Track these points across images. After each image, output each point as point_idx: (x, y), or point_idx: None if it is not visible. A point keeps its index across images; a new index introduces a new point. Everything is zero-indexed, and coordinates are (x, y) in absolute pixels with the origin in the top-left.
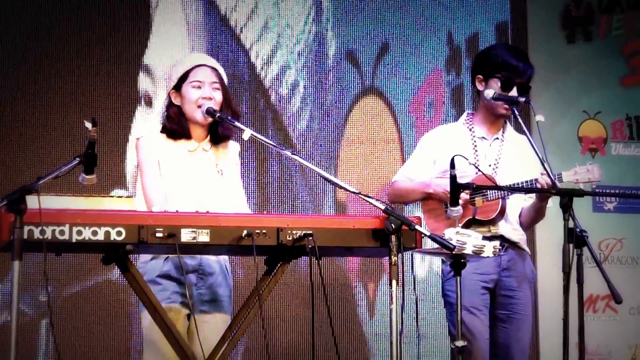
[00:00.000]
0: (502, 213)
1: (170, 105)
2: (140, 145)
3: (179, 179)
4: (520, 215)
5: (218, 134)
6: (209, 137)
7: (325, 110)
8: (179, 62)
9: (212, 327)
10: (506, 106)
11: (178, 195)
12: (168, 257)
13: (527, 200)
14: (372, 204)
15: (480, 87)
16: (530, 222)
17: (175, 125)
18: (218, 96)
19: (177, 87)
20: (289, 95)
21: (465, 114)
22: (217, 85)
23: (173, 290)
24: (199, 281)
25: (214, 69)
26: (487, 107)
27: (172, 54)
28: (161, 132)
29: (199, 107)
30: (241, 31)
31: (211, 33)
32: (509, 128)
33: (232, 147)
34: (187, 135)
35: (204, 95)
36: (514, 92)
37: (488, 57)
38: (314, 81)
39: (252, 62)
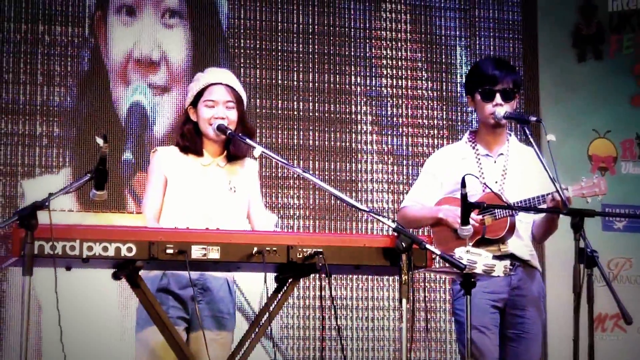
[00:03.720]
0: (511, 230)
1: (185, 122)
2: (152, 159)
3: (188, 192)
4: (533, 228)
5: (230, 153)
6: (225, 154)
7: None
8: (197, 79)
9: (212, 342)
10: (490, 112)
11: (187, 209)
12: (173, 273)
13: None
14: (383, 222)
15: (471, 106)
16: (543, 233)
17: (188, 142)
18: (232, 115)
19: (194, 104)
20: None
21: (467, 133)
22: (232, 104)
23: (170, 305)
24: (198, 296)
25: (230, 87)
26: (481, 121)
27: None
28: (175, 145)
29: (211, 125)
30: None
31: None
32: (514, 141)
33: (250, 166)
34: (200, 152)
35: (216, 115)
36: (497, 100)
37: (468, 75)
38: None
39: None
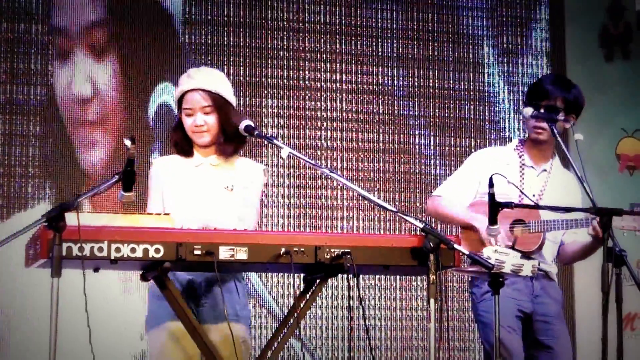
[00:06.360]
0: (541, 247)
1: (176, 127)
2: (150, 173)
3: (182, 194)
4: (563, 252)
5: (224, 148)
6: (216, 153)
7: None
8: (178, 84)
9: (218, 339)
10: (538, 130)
11: (181, 211)
12: (174, 273)
13: (569, 235)
14: (410, 222)
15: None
16: (577, 259)
17: (178, 148)
18: (210, 120)
19: (180, 111)
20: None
21: (516, 140)
22: (209, 109)
23: None
24: (202, 297)
25: (205, 91)
26: (528, 134)
27: None
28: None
29: (194, 133)
30: None
31: None
32: (557, 162)
33: (251, 166)
34: (190, 154)
35: (196, 123)
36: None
37: (530, 87)
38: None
39: None
